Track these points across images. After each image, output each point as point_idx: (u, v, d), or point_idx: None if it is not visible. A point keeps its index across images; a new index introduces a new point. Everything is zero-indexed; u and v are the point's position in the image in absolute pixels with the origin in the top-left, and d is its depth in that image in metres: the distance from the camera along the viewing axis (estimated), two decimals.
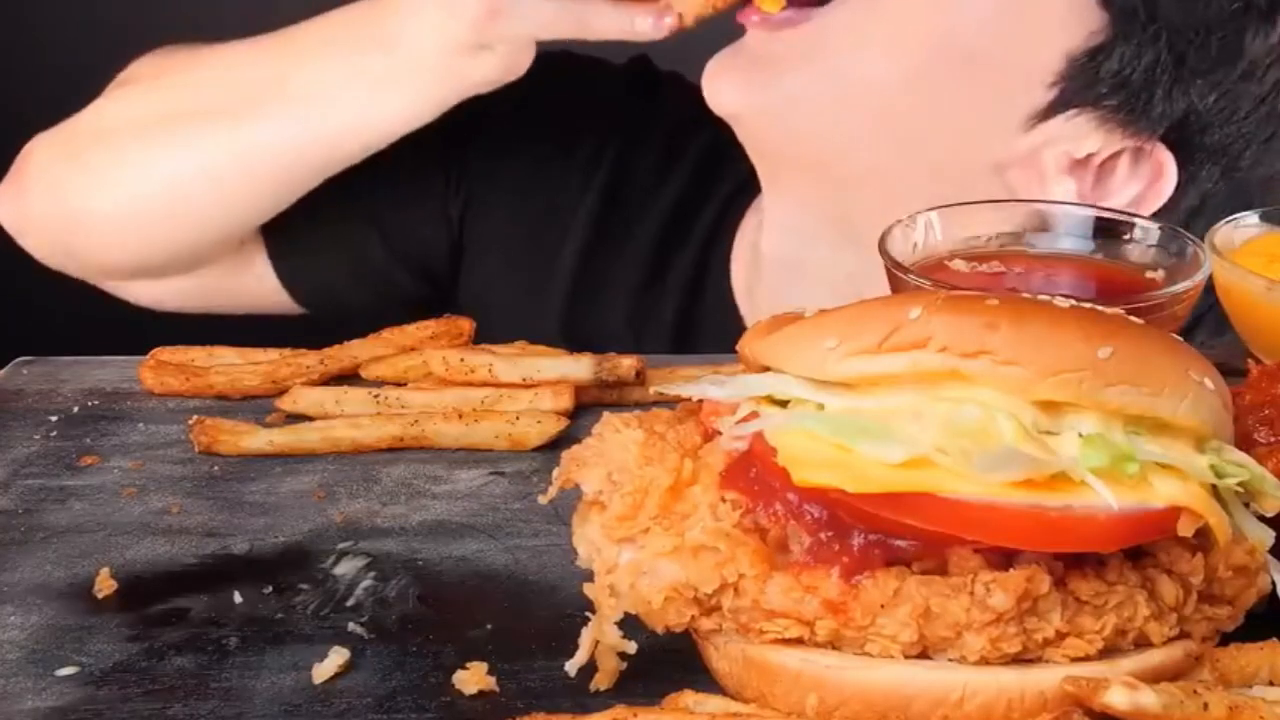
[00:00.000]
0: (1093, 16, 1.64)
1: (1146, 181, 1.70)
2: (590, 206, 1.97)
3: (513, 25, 1.63)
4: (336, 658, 1.06)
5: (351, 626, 1.11)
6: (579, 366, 1.40)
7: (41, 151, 1.88)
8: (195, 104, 1.82)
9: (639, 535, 0.98)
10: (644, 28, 1.65)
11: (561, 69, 1.97)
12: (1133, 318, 1.02)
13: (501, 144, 1.99)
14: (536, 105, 1.96)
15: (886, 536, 0.95)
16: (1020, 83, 1.67)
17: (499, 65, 1.70)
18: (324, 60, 1.78)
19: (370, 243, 1.97)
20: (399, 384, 1.42)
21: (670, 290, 1.96)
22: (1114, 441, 0.94)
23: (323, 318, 2.03)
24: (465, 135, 1.94)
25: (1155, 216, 1.62)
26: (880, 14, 1.67)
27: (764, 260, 1.89)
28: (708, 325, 1.94)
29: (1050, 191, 1.69)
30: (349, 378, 1.45)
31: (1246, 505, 1.00)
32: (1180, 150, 1.69)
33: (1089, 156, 1.69)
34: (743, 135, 1.80)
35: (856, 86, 1.70)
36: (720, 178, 1.98)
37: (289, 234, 1.92)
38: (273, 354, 1.47)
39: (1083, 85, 1.65)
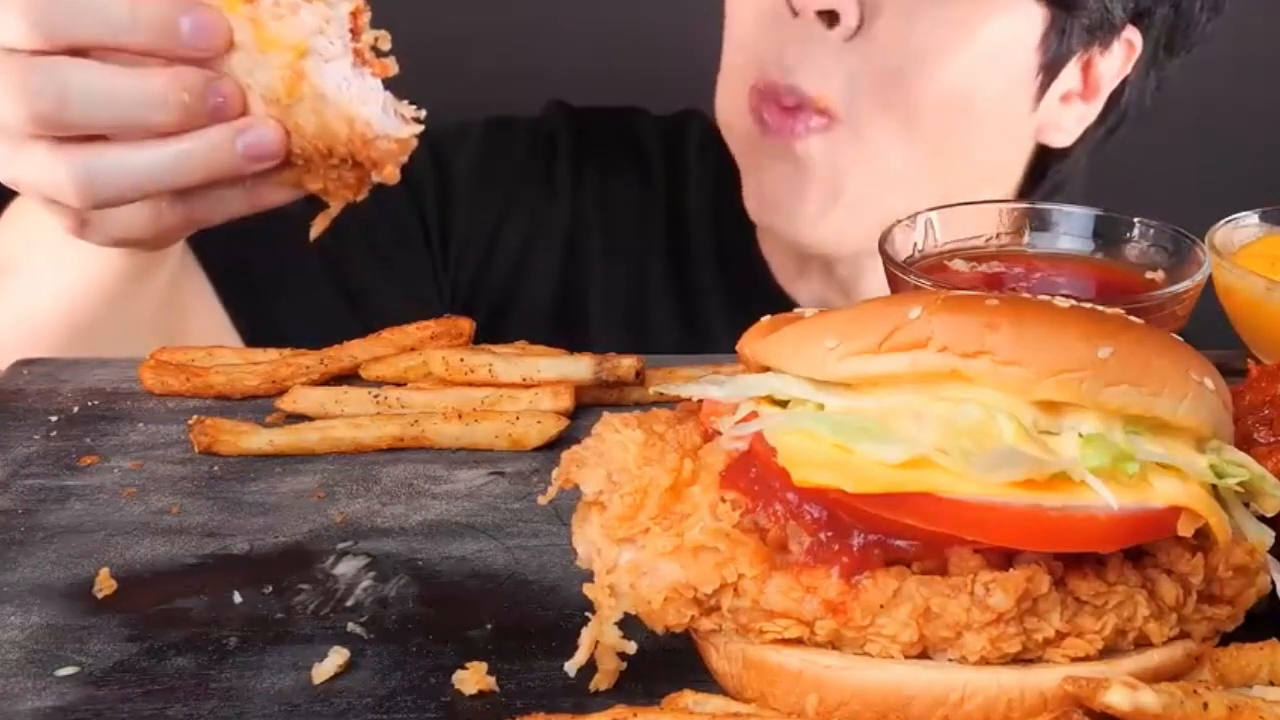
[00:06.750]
0: (1031, 10, 1.78)
1: (1124, 55, 1.90)
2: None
3: (104, 231, 1.35)
4: (336, 658, 1.06)
5: (351, 626, 1.11)
6: (579, 366, 1.40)
7: None
8: None
9: (639, 535, 0.99)
10: (274, 199, 1.34)
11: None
12: (1133, 318, 1.03)
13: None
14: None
15: (886, 536, 0.95)
16: (1016, 99, 1.83)
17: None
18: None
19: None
20: (399, 384, 1.42)
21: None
22: (1114, 441, 0.94)
23: None
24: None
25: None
26: (890, 113, 1.77)
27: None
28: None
29: (1073, 116, 1.91)
30: (349, 378, 1.45)
31: (1246, 505, 1.00)
32: (1137, 20, 1.89)
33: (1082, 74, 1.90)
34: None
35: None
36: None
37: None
38: (272, 354, 1.47)
39: (1055, 55, 1.81)
